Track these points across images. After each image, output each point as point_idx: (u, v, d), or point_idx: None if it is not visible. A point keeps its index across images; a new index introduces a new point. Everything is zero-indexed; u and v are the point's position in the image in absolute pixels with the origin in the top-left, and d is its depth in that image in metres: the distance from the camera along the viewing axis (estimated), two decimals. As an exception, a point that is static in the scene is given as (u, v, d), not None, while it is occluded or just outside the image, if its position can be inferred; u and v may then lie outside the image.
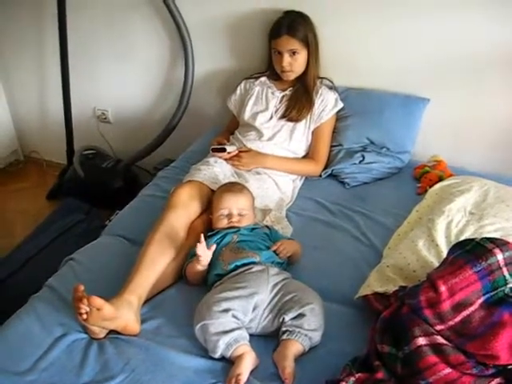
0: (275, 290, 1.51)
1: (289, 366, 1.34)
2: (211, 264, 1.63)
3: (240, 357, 1.35)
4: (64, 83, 2.94)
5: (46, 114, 3.36)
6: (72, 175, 3.05)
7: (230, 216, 1.77)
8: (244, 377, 1.31)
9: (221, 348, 1.36)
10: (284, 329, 1.43)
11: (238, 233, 1.73)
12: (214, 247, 1.61)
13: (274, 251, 1.69)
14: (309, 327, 1.42)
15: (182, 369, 1.37)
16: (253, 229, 1.77)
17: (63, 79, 2.93)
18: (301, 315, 1.43)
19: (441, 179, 2.16)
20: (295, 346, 1.39)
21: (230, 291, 1.47)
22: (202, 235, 1.62)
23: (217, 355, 1.38)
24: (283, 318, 1.44)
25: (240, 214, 1.78)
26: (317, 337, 1.43)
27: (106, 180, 3.00)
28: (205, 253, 1.58)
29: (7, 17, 3.03)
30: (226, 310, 1.41)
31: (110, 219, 2.05)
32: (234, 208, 1.78)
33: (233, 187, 1.86)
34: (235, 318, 1.41)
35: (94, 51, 2.95)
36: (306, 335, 1.41)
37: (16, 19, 3.02)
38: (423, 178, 2.23)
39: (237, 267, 1.58)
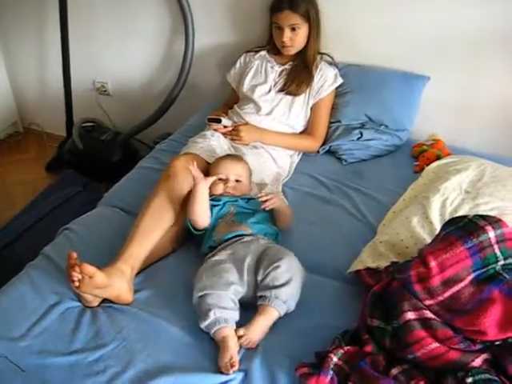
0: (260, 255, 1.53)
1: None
2: (207, 235, 1.65)
3: (224, 342, 1.34)
4: (64, 55, 2.93)
5: (46, 86, 3.34)
6: (71, 147, 3.05)
7: (226, 181, 1.78)
8: (236, 359, 1.31)
9: (210, 318, 1.35)
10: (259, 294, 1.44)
11: (236, 204, 1.74)
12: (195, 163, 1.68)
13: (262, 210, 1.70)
14: (278, 282, 1.41)
15: (173, 340, 1.38)
16: (249, 199, 1.79)
17: (63, 51, 2.91)
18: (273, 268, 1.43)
19: (439, 158, 2.15)
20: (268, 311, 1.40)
21: (226, 263, 1.49)
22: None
23: (204, 325, 1.37)
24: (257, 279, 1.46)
25: (236, 181, 1.79)
26: (286, 290, 1.42)
27: (104, 152, 2.99)
28: (197, 172, 1.65)
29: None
30: (229, 284, 1.42)
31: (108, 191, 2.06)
32: (231, 173, 1.80)
33: (232, 155, 1.90)
34: (234, 296, 1.42)
35: (94, 23, 2.93)
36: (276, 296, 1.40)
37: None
38: (421, 156, 2.22)
39: (229, 239, 1.60)
